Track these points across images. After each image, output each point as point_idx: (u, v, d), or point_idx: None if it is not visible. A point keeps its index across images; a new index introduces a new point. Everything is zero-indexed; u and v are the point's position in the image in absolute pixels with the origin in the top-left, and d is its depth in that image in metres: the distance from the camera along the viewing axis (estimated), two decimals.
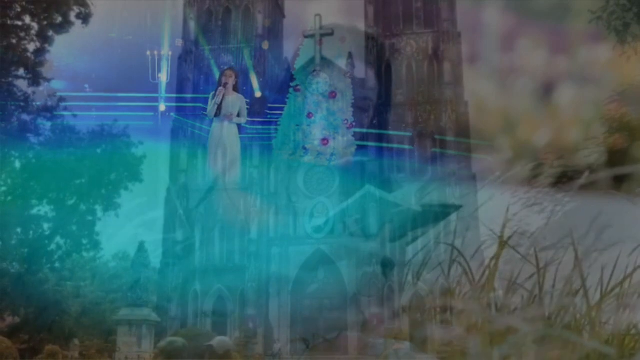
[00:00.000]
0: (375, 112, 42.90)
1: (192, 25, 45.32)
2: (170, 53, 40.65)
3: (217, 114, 9.74)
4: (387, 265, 37.46)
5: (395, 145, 41.83)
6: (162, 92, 39.15)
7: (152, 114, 38.10)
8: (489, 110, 40.83)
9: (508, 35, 42.56)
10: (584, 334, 1.87)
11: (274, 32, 47.92)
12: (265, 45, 43.98)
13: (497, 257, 2.02)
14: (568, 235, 2.07)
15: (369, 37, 44.94)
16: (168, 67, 39.95)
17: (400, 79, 44.12)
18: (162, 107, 39.64)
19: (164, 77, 39.87)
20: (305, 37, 43.57)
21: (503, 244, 2.05)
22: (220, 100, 9.62)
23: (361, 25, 45.62)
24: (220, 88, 9.65)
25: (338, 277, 39.65)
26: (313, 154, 41.62)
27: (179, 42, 43.53)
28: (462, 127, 42.18)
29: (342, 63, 43.40)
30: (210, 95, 9.94)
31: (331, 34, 43.65)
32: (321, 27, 43.40)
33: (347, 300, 39.18)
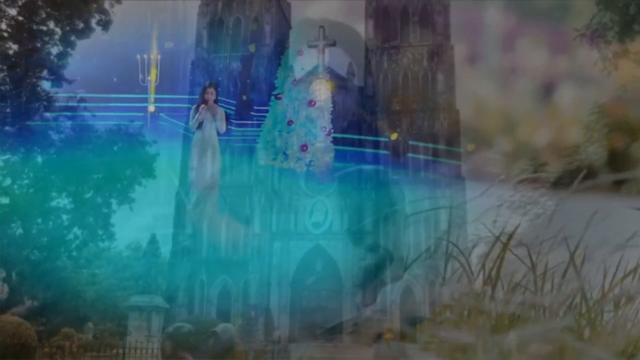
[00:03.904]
0: (373, 117, 42.89)
1: (205, 33, 45.32)
2: (159, 56, 39.99)
3: (199, 127, 9.93)
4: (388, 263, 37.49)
5: (385, 152, 41.81)
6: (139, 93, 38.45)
7: (141, 114, 37.49)
8: (487, 111, 40.31)
9: (508, 35, 41.64)
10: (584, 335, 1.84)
11: (280, 41, 47.89)
12: (252, 48, 43.89)
13: (500, 256, 2.01)
14: (560, 235, 2.05)
15: (368, 48, 44.95)
16: (157, 69, 39.25)
17: (397, 88, 44.13)
18: (152, 108, 39.07)
19: (153, 79, 39.26)
20: (309, 47, 43.60)
21: (506, 245, 2.03)
22: (202, 117, 9.79)
23: (361, 33, 45.59)
24: (203, 105, 9.80)
25: (335, 271, 39.70)
26: (293, 159, 41.49)
27: (169, 44, 43.08)
28: (454, 132, 42.23)
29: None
30: (192, 109, 10.08)
31: (333, 44, 43.67)
32: (325, 38, 43.42)
33: (343, 292, 39.23)
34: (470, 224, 2.58)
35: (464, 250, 2.23)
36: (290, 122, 41.98)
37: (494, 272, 2.01)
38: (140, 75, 38.69)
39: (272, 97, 42.35)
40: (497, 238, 2.02)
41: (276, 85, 42.61)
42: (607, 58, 14.02)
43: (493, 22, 42.93)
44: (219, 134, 10.27)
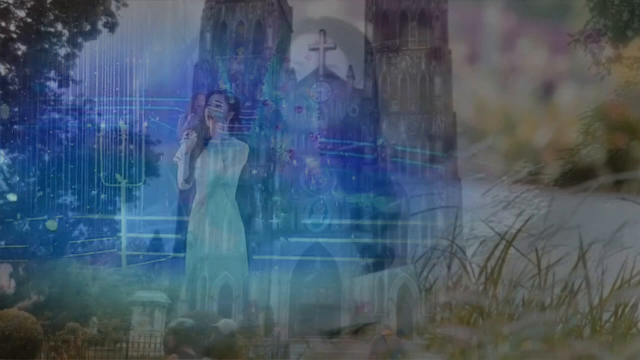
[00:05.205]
0: (372, 120, 42.91)
1: (208, 36, 45.27)
2: (148, 61, 39.55)
3: (188, 133, 9.93)
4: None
5: (381, 154, 41.78)
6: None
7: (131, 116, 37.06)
8: (486, 111, 39.86)
9: (508, 35, 40.89)
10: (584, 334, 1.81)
11: (282, 44, 47.86)
12: (241, 52, 43.79)
13: (503, 255, 1.99)
14: (559, 233, 2.02)
15: (367, 52, 44.97)
16: (146, 73, 38.74)
17: (395, 91, 44.14)
18: (141, 110, 38.67)
19: (143, 81, 38.77)
20: (311, 50, 43.61)
21: (509, 243, 2.01)
22: (191, 124, 9.82)
23: (361, 37, 45.55)
24: (192, 115, 9.82)
25: (333, 269, 39.71)
26: (281, 165, 41.40)
27: (159, 48, 42.68)
28: (450, 135, 42.29)
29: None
30: (180, 118, 10.10)
31: (334, 48, 43.70)
32: (325, 41, 43.45)
33: (342, 289, 39.24)
34: (466, 224, 2.56)
35: (476, 250, 2.21)
36: (277, 127, 41.92)
37: (495, 272, 1.98)
38: (134, 77, 38.44)
39: (260, 104, 42.14)
40: (502, 237, 2.00)
41: (263, 91, 42.48)
42: (601, 63, 14.00)
43: (493, 22, 42.30)
44: (210, 137, 10.31)
